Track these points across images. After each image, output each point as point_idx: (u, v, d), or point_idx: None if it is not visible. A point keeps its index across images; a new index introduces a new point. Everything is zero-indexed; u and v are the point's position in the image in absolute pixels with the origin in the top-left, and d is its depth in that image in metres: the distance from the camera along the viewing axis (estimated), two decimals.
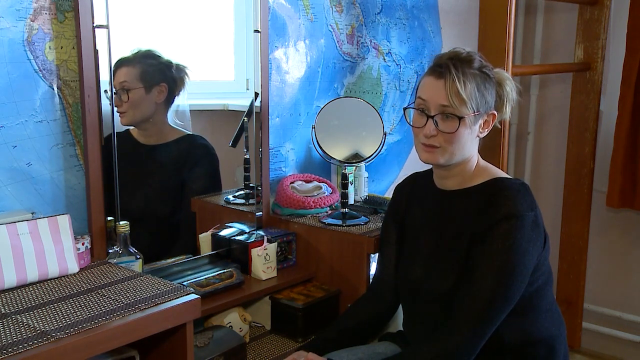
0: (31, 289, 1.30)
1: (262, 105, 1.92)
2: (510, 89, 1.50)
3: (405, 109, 1.52)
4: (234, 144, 1.98)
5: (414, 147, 1.53)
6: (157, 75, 1.76)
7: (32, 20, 1.44)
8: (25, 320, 1.14)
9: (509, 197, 1.40)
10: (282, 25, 2.01)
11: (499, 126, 1.53)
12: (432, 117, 1.41)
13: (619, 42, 2.71)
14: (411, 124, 1.49)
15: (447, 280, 1.43)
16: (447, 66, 1.40)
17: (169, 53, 1.78)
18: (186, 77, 1.81)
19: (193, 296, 1.28)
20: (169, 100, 1.80)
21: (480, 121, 1.45)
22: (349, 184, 1.97)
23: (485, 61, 1.46)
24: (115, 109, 1.59)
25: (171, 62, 1.79)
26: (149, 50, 1.75)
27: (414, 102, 1.47)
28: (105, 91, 1.53)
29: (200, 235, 1.87)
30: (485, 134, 1.49)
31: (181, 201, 1.88)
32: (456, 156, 1.45)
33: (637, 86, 2.58)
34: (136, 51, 1.72)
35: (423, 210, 1.57)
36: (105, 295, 1.26)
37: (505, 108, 1.50)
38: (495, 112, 1.48)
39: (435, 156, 1.45)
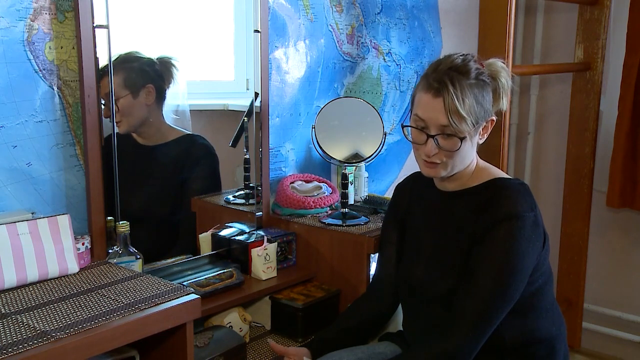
0: (31, 289, 1.30)
1: (262, 105, 1.92)
2: (506, 79, 1.46)
3: (403, 126, 1.48)
4: (234, 144, 1.98)
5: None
6: (140, 78, 1.74)
7: (32, 20, 1.44)
8: (25, 320, 1.14)
9: (509, 197, 1.39)
10: (282, 25, 2.01)
11: (496, 117, 1.50)
12: (433, 136, 1.39)
13: (619, 42, 2.71)
14: (410, 139, 1.47)
15: (447, 281, 1.43)
16: (445, 83, 1.35)
17: (161, 51, 1.75)
18: (174, 68, 1.78)
19: (193, 296, 1.28)
20: (160, 98, 1.79)
21: (480, 129, 1.44)
22: (349, 184, 1.97)
23: (479, 64, 1.42)
24: (108, 118, 1.57)
25: (153, 60, 1.76)
26: (128, 53, 1.70)
27: (411, 118, 1.45)
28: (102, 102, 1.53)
29: (200, 235, 1.87)
30: (485, 139, 1.48)
31: (181, 201, 1.88)
32: (457, 168, 1.44)
33: (637, 86, 2.58)
34: (115, 57, 1.64)
35: (423, 211, 1.57)
36: (105, 295, 1.26)
37: (502, 100, 1.47)
38: (494, 117, 1.46)
39: (438, 171, 1.44)
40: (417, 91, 1.43)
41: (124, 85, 1.69)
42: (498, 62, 1.46)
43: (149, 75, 1.75)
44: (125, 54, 1.69)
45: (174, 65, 1.78)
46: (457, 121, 1.35)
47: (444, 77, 1.36)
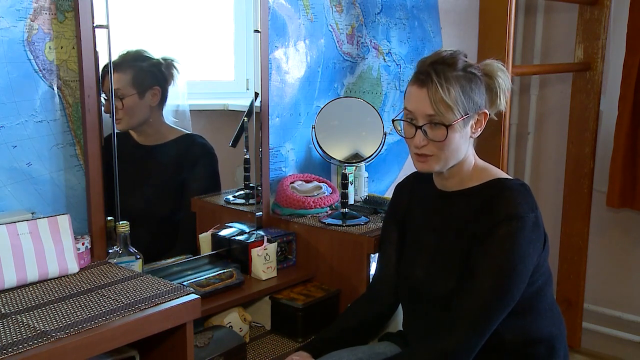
0: (31, 289, 1.30)
1: (262, 105, 1.92)
2: (503, 79, 1.47)
3: (393, 120, 1.49)
4: (234, 144, 1.98)
5: None
6: (149, 79, 1.74)
7: (32, 20, 1.44)
8: (25, 320, 1.14)
9: (509, 198, 1.39)
10: (282, 25, 2.01)
11: (495, 118, 1.51)
12: (420, 127, 1.41)
13: (619, 42, 2.71)
14: (402, 135, 1.48)
15: (448, 282, 1.43)
16: (429, 73, 1.38)
17: (161, 51, 1.75)
18: (175, 70, 1.78)
19: (193, 296, 1.28)
20: (163, 100, 1.79)
21: (471, 122, 1.43)
22: (349, 184, 1.97)
23: (469, 60, 1.44)
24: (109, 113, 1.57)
25: (160, 61, 1.76)
26: (138, 51, 1.70)
27: (402, 113, 1.46)
28: (103, 96, 1.53)
29: (200, 235, 1.87)
30: (479, 133, 1.48)
31: (181, 201, 1.88)
32: (450, 161, 1.44)
33: (637, 86, 2.58)
34: (124, 53, 1.66)
35: (423, 211, 1.57)
36: (105, 295, 1.26)
37: (500, 100, 1.47)
38: (487, 111, 1.46)
39: (430, 165, 1.44)
40: (407, 86, 1.46)
41: (132, 84, 1.69)
42: (495, 63, 1.48)
43: (156, 77, 1.75)
44: (135, 51, 1.69)
45: (175, 67, 1.79)
46: (443, 110, 1.37)
47: (428, 68, 1.39)
